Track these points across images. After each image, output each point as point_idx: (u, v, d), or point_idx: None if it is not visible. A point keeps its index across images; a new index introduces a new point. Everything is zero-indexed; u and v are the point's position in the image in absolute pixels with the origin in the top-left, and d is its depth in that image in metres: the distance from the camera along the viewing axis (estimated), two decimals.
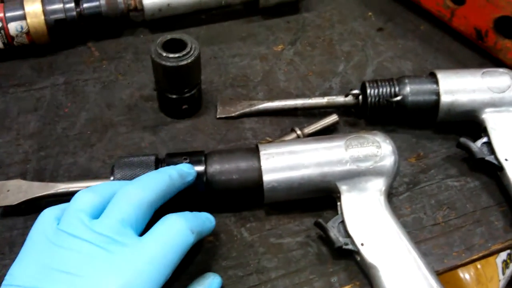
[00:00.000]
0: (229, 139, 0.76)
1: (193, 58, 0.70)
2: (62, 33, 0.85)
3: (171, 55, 0.69)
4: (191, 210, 0.57)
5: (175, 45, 0.71)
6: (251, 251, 0.64)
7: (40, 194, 0.63)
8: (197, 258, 0.63)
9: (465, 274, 1.28)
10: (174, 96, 0.74)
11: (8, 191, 0.64)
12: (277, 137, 0.76)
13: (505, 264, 1.38)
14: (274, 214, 0.68)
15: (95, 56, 0.88)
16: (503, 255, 1.37)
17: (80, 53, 0.88)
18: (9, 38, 0.81)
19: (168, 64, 0.69)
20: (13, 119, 0.77)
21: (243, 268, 0.62)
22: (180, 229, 0.51)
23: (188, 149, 0.74)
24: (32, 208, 0.65)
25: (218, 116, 0.79)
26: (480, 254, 0.66)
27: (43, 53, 0.87)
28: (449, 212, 0.69)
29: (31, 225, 0.60)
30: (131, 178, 0.61)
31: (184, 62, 0.69)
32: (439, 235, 0.67)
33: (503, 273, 1.37)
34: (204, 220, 0.58)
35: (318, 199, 0.67)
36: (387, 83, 0.76)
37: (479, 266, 1.31)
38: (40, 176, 0.69)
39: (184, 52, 0.70)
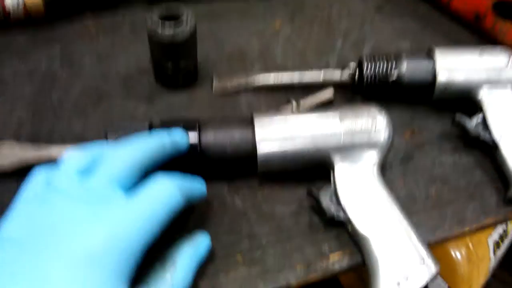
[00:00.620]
0: (225, 112, 0.76)
1: (189, 27, 0.70)
2: (58, 6, 0.85)
3: (167, 24, 0.69)
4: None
5: (171, 16, 0.71)
6: (243, 218, 0.64)
7: (34, 158, 0.63)
8: (189, 225, 0.63)
9: (456, 253, 1.28)
10: (169, 66, 0.74)
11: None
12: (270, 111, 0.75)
13: (497, 245, 1.38)
14: (267, 184, 0.68)
15: (91, 28, 0.88)
16: (495, 236, 1.38)
17: (76, 25, 0.88)
18: (5, 13, 0.81)
19: (165, 33, 0.69)
20: (7, 86, 0.77)
21: (235, 234, 0.62)
22: (168, 189, 0.50)
23: None
24: (25, 171, 0.65)
25: (214, 90, 0.79)
26: (473, 227, 0.66)
27: (39, 24, 0.86)
28: (442, 186, 0.70)
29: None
30: None
31: (180, 31, 0.69)
32: (431, 208, 0.67)
33: (494, 254, 1.37)
34: (194, 184, 0.56)
35: (312, 170, 0.67)
36: (384, 59, 0.76)
37: (470, 245, 1.31)
38: (34, 142, 0.69)
39: (180, 22, 0.69)
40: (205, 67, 0.83)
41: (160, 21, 0.69)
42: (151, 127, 0.63)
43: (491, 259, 1.37)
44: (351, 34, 0.91)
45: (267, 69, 0.83)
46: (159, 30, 0.69)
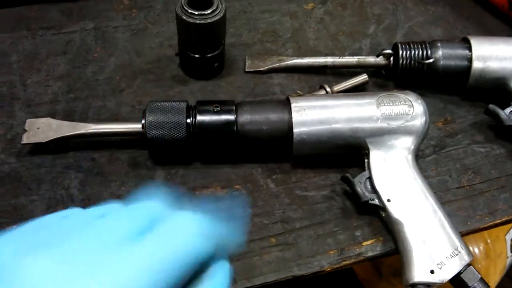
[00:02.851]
0: (257, 93, 0.76)
1: (219, 16, 0.69)
2: None
3: (197, 12, 0.68)
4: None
5: (202, 2, 0.69)
6: (276, 201, 0.64)
7: (69, 134, 0.64)
8: (224, 204, 0.63)
9: (474, 248, 1.28)
10: (197, 56, 0.73)
11: (38, 128, 0.64)
12: (300, 93, 0.75)
13: None
14: (300, 168, 0.68)
15: (125, 4, 0.87)
16: None
17: (110, 0, 0.88)
18: None
19: (197, 21, 0.68)
20: (42, 60, 0.77)
21: (268, 217, 0.63)
22: (188, 231, 0.38)
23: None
24: (60, 147, 0.66)
25: (246, 70, 0.79)
26: (503, 219, 0.66)
27: None
28: (474, 176, 0.69)
29: (59, 163, 0.61)
30: (162, 122, 0.61)
31: (210, 20, 0.68)
32: (463, 198, 0.67)
33: (511, 251, 1.37)
34: (230, 229, 0.43)
35: (344, 155, 0.67)
36: (419, 46, 0.76)
37: (488, 241, 1.31)
38: (69, 117, 0.69)
39: (210, 10, 0.68)
40: (238, 45, 0.83)
41: (188, 8, 0.68)
42: (188, 108, 0.63)
43: (508, 256, 1.37)
44: (384, 19, 0.91)
45: (300, 50, 0.83)
46: (190, 19, 0.68)
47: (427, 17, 0.92)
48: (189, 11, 0.67)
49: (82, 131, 0.64)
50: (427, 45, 0.76)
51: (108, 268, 0.35)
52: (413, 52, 0.75)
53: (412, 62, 0.75)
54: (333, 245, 0.61)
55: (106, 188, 0.64)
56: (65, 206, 0.62)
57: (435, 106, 0.77)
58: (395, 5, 0.94)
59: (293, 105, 0.64)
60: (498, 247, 1.35)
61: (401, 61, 0.75)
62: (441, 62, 0.75)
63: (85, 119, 0.70)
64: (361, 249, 0.61)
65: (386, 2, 0.94)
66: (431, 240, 0.58)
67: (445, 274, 0.56)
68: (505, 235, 1.36)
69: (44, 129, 0.64)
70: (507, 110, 0.73)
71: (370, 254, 0.61)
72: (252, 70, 0.79)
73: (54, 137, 0.63)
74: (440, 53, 0.75)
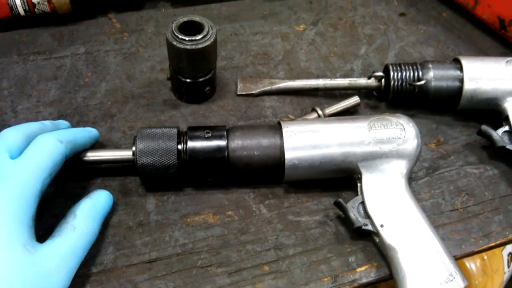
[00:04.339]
0: (249, 116, 0.76)
1: (210, 41, 0.68)
2: (84, 3, 0.85)
3: (188, 38, 0.67)
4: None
5: (192, 28, 0.69)
6: (269, 227, 0.64)
7: None
8: (215, 231, 0.63)
9: (471, 264, 1.28)
10: (188, 80, 0.73)
11: None
12: (298, 116, 0.75)
13: (511, 257, 1.38)
14: (292, 192, 0.67)
15: (116, 28, 0.87)
16: (510, 248, 1.37)
17: (101, 24, 0.88)
18: (30, 5, 0.81)
19: (187, 47, 0.67)
20: (33, 86, 0.77)
21: (261, 244, 0.62)
22: (46, 141, 0.56)
23: (208, 124, 0.74)
24: None
25: (238, 93, 0.79)
26: (498, 242, 0.66)
27: (64, 22, 0.86)
28: (468, 198, 0.69)
29: (49, 191, 0.61)
30: (153, 149, 0.61)
31: (201, 46, 0.68)
32: (457, 221, 0.67)
33: (508, 266, 1.37)
34: (78, 132, 0.63)
35: (337, 179, 0.67)
36: (410, 67, 0.76)
37: (485, 257, 1.31)
38: None
39: (201, 35, 0.68)
40: (229, 68, 0.83)
41: (179, 34, 0.67)
42: (179, 133, 0.63)
43: (505, 272, 1.37)
44: (375, 39, 0.91)
45: (291, 72, 0.83)
46: (181, 44, 0.67)
47: (419, 37, 0.93)
48: (180, 36, 0.67)
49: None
50: (418, 67, 0.76)
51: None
52: (404, 73, 0.75)
53: (404, 83, 0.75)
54: (327, 272, 0.60)
55: None
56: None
57: (428, 127, 0.77)
58: (386, 25, 0.94)
59: (284, 130, 0.64)
60: (495, 263, 1.34)
61: (392, 82, 0.75)
62: (433, 84, 0.75)
63: None
64: (355, 275, 0.61)
65: (377, 22, 0.94)
66: (425, 266, 0.58)
67: None
68: (502, 251, 1.36)
69: None
70: (500, 131, 0.73)
71: (364, 280, 0.61)
72: (244, 93, 0.79)
73: None
74: (431, 74, 0.75)
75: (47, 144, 0.55)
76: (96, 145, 0.69)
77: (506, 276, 1.38)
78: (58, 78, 0.78)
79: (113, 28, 0.87)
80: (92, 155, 0.64)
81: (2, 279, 0.46)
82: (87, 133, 0.64)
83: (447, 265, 0.58)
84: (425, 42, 0.92)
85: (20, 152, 0.55)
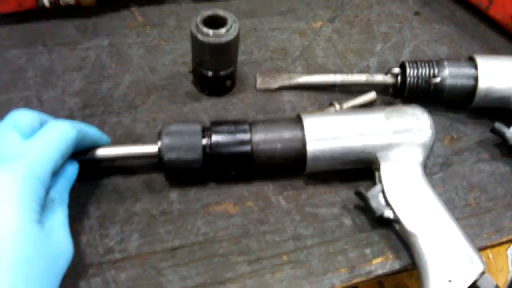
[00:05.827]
0: (268, 110, 0.78)
1: (233, 35, 0.70)
2: None
3: (212, 32, 0.69)
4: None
5: (216, 22, 0.71)
6: (287, 218, 0.66)
7: (79, 159, 0.63)
8: (236, 221, 0.65)
9: None
10: (210, 74, 0.75)
11: None
12: (316, 111, 0.77)
13: None
14: (310, 184, 0.69)
15: (139, 21, 0.89)
16: None
17: (124, 17, 0.90)
18: None
19: (211, 40, 0.69)
20: (58, 76, 0.78)
21: (280, 234, 0.64)
22: (58, 123, 0.57)
23: (229, 117, 0.76)
24: None
25: (257, 87, 0.80)
26: (510, 237, 0.68)
27: (88, 15, 0.88)
28: (480, 194, 0.71)
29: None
30: (178, 144, 0.63)
31: (225, 39, 0.69)
32: (470, 216, 0.69)
33: None
34: (90, 127, 0.63)
35: (353, 171, 0.69)
36: (426, 64, 0.77)
37: (490, 255, 1.32)
38: None
39: (225, 29, 0.70)
40: (248, 63, 0.85)
41: (203, 27, 0.69)
42: (203, 129, 0.65)
43: (510, 271, 1.38)
44: (391, 37, 0.93)
45: (309, 68, 0.85)
46: (205, 38, 0.69)
47: (433, 35, 0.94)
48: (204, 30, 0.69)
49: (94, 156, 0.64)
50: (434, 64, 0.77)
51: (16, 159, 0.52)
52: (420, 70, 0.77)
53: (419, 80, 0.77)
54: (344, 263, 0.62)
55: (121, 205, 0.65)
56: (81, 223, 0.63)
57: (441, 123, 0.79)
58: (401, 23, 0.96)
59: (305, 122, 0.65)
60: (499, 262, 1.35)
61: (408, 79, 0.77)
62: (448, 81, 0.76)
63: None
64: (371, 267, 0.63)
65: (392, 21, 0.96)
66: (445, 250, 0.60)
67: (463, 283, 0.58)
68: (507, 250, 1.37)
69: None
70: None
71: (380, 272, 0.62)
72: (263, 87, 0.81)
73: None
74: (447, 72, 0.76)
75: (59, 126, 0.56)
76: (120, 134, 0.71)
77: (510, 275, 1.40)
78: (83, 69, 0.80)
79: (136, 22, 0.89)
80: (113, 151, 0.65)
81: (21, 255, 0.47)
82: (99, 132, 0.65)
83: (466, 249, 0.60)
84: (439, 40, 0.94)
85: (31, 133, 0.55)
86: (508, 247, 1.37)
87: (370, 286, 1.31)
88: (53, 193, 0.56)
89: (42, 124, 0.57)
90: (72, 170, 0.61)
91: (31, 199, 0.50)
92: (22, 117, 0.56)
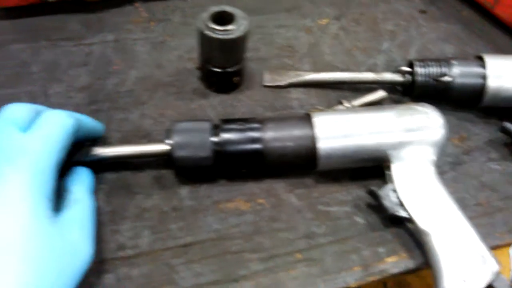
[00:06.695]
0: (276, 107, 0.77)
1: (243, 32, 0.69)
2: None
3: (221, 28, 0.68)
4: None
5: (223, 18, 0.70)
6: (299, 216, 0.65)
7: (86, 159, 0.63)
8: (248, 218, 0.64)
9: None
10: (218, 70, 0.74)
11: None
12: (321, 108, 0.76)
13: None
14: (321, 182, 0.69)
15: (143, 17, 0.88)
16: None
17: (128, 13, 0.89)
18: None
19: (220, 37, 0.68)
20: (63, 71, 0.77)
21: (292, 232, 0.63)
22: (55, 113, 0.56)
23: (236, 114, 0.75)
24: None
25: (265, 84, 0.80)
26: None
27: (92, 10, 0.87)
28: (492, 194, 0.71)
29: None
30: (188, 143, 0.62)
31: (234, 36, 0.68)
32: (482, 215, 0.68)
33: None
34: (84, 117, 0.63)
35: (364, 169, 0.68)
36: (435, 63, 0.77)
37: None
38: None
39: (234, 25, 0.69)
40: (255, 60, 0.84)
41: (211, 23, 0.68)
42: (212, 126, 0.64)
43: (511, 269, 1.38)
44: (397, 35, 0.92)
45: (316, 65, 0.84)
46: (214, 34, 0.68)
47: (439, 34, 0.94)
48: (213, 26, 0.68)
49: (96, 156, 0.63)
50: (443, 63, 0.77)
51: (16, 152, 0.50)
52: (429, 69, 0.76)
53: (429, 79, 0.76)
54: (358, 262, 0.62)
55: (131, 201, 0.64)
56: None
57: (450, 122, 0.78)
58: (408, 21, 0.95)
59: (316, 120, 0.65)
60: (501, 261, 1.35)
61: (417, 78, 0.76)
62: (457, 80, 0.76)
63: (107, 132, 0.70)
64: (385, 265, 0.62)
65: (399, 19, 0.96)
66: (459, 249, 0.59)
67: (477, 283, 0.57)
68: (509, 249, 1.37)
69: None
70: None
71: (393, 270, 0.62)
72: (271, 84, 0.80)
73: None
74: (456, 71, 0.76)
75: (56, 116, 0.55)
76: (127, 130, 0.70)
77: None
78: (88, 65, 0.79)
79: (140, 17, 0.88)
80: (115, 150, 0.64)
81: (32, 251, 0.46)
82: (93, 121, 0.65)
83: (480, 248, 0.59)
84: (446, 39, 0.93)
85: (29, 125, 0.54)
86: (511, 246, 1.36)
87: (373, 284, 1.31)
88: (75, 195, 0.56)
89: (37, 114, 0.56)
90: (87, 174, 0.61)
91: (39, 193, 0.49)
92: (17, 110, 0.55)
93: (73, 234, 0.52)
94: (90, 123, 0.63)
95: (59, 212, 0.53)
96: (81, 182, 0.59)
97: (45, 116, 0.55)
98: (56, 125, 0.55)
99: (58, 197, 0.56)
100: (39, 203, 0.49)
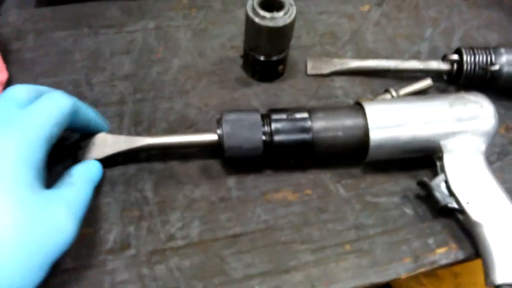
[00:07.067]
0: (320, 96, 0.76)
1: (291, 19, 0.68)
2: None
3: (269, 15, 0.67)
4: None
5: (270, 4, 0.69)
6: (348, 207, 0.64)
7: (126, 148, 0.63)
8: (296, 208, 0.63)
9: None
10: (262, 58, 0.73)
11: (93, 145, 0.64)
12: (370, 97, 0.76)
13: None
14: (369, 173, 0.68)
15: (184, 3, 0.87)
16: None
17: None
18: None
19: (268, 24, 0.67)
20: (106, 59, 0.77)
21: (341, 223, 0.63)
22: (54, 93, 0.57)
23: (280, 103, 0.74)
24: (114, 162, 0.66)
25: (308, 73, 0.79)
26: None
27: None
28: None
29: (132, 165, 0.63)
30: (238, 134, 0.62)
31: (282, 23, 0.67)
32: None
33: None
34: (88, 106, 0.63)
35: (412, 159, 0.67)
36: (483, 51, 0.75)
37: None
38: (137, 118, 0.70)
39: (283, 12, 0.68)
40: (297, 47, 0.83)
41: (260, 10, 0.67)
42: (261, 117, 0.64)
43: None
44: (440, 22, 0.90)
45: (359, 52, 0.83)
46: (258, 20, 0.67)
47: (482, 21, 0.92)
48: (261, 13, 0.67)
49: (138, 145, 0.63)
50: (491, 51, 0.75)
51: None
52: (477, 57, 0.75)
53: (476, 68, 0.75)
54: (408, 253, 0.61)
55: (179, 191, 0.64)
56: (140, 209, 0.62)
57: (496, 112, 0.77)
58: (450, 8, 0.94)
59: (367, 109, 0.64)
60: None
61: (465, 66, 0.75)
62: (505, 69, 0.74)
63: (153, 121, 0.70)
64: (435, 256, 0.61)
65: (441, 5, 0.94)
66: (510, 240, 0.58)
67: None
68: None
69: (99, 145, 0.64)
70: None
71: (444, 261, 0.61)
72: (314, 72, 0.79)
73: (110, 153, 0.63)
74: (504, 59, 0.74)
75: (54, 95, 0.56)
76: (173, 120, 0.69)
77: None
78: (131, 52, 0.79)
79: (181, 4, 0.87)
80: (158, 140, 0.64)
81: (12, 219, 0.46)
82: (98, 114, 0.65)
83: None
84: (488, 27, 0.91)
85: (28, 104, 0.55)
86: None
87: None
88: (75, 179, 0.57)
89: (40, 95, 0.57)
90: (95, 167, 0.62)
91: (24, 161, 0.50)
92: (19, 90, 0.56)
93: (58, 210, 0.51)
94: (91, 113, 0.63)
95: (50, 188, 0.53)
96: (84, 171, 0.60)
97: (45, 95, 0.57)
98: (52, 103, 0.55)
99: (57, 179, 0.57)
100: (23, 170, 0.49)
